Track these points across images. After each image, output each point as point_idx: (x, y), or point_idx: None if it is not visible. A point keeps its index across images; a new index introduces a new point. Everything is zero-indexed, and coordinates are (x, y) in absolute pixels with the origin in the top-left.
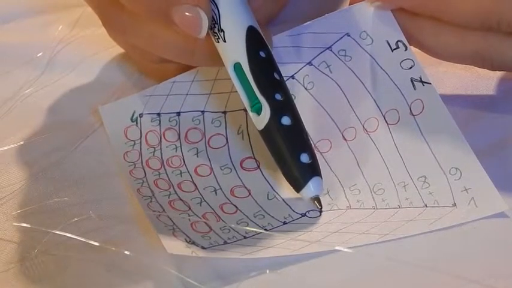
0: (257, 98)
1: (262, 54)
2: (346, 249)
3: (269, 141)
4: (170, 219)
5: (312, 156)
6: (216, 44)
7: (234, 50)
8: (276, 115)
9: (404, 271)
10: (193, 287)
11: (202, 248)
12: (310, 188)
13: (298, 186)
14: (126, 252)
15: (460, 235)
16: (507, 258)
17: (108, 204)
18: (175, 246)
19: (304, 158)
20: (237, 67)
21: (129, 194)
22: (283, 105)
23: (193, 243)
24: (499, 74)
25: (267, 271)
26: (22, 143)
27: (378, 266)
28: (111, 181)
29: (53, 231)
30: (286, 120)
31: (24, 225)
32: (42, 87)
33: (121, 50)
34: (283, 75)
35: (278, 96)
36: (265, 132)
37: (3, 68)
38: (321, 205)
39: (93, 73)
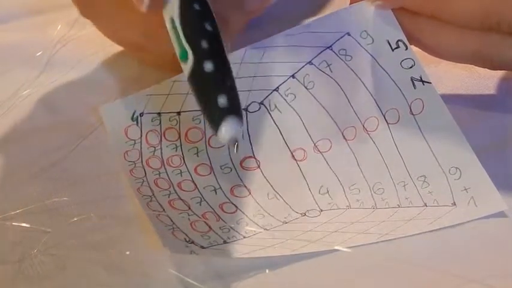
0: (184, 46)
1: (196, 6)
2: (345, 249)
3: (193, 88)
4: (170, 218)
5: (231, 98)
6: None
7: (170, 6)
8: (198, 62)
9: (404, 271)
10: (192, 286)
11: (202, 247)
12: (222, 130)
13: (215, 130)
14: (126, 252)
15: (460, 235)
16: (507, 258)
17: (108, 204)
18: (174, 245)
19: (222, 100)
20: (173, 22)
21: (129, 194)
22: (207, 52)
23: (193, 242)
24: (499, 73)
25: (267, 271)
26: (21, 142)
27: (378, 266)
28: (111, 181)
29: (53, 231)
30: (208, 67)
31: (24, 225)
32: (42, 87)
33: (120, 49)
34: (284, 74)
35: (204, 44)
36: (190, 80)
37: (2, 67)
38: (237, 149)
39: (93, 72)
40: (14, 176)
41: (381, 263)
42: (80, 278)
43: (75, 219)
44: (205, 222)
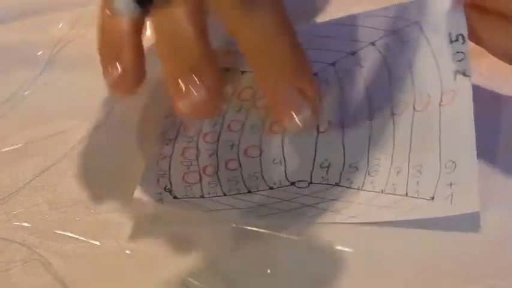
0: None
1: None
2: (346, 249)
3: None
4: (169, 163)
5: None
6: None
7: None
8: None
9: (404, 271)
10: (193, 286)
11: (175, 197)
12: None
13: None
14: (126, 251)
15: (460, 235)
16: (507, 258)
17: (108, 204)
18: (147, 191)
19: None
20: None
21: (130, 194)
22: None
23: (170, 191)
24: (502, 73)
25: (268, 271)
26: (22, 142)
27: (378, 266)
28: (112, 180)
29: (54, 231)
30: None
31: (25, 224)
32: (43, 86)
33: None
34: (343, 50)
35: None
36: None
37: (2, 66)
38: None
39: (94, 72)
40: (15, 175)
41: (381, 263)
42: (81, 277)
43: (76, 218)
44: (199, 174)
